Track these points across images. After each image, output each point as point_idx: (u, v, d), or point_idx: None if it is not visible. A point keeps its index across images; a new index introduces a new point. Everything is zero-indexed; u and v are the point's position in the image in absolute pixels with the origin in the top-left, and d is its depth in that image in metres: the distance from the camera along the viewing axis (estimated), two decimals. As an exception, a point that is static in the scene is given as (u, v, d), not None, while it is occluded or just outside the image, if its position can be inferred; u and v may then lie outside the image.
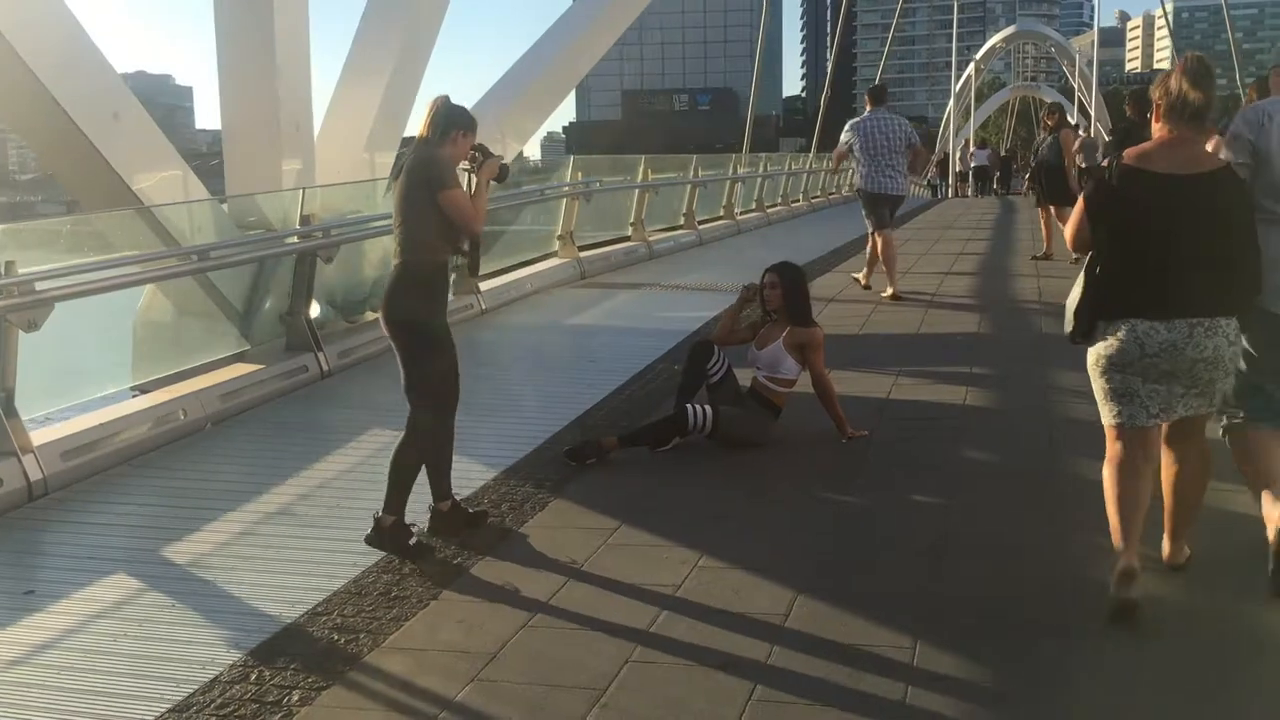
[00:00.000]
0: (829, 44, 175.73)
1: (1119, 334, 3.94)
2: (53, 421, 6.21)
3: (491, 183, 4.99)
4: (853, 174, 11.38)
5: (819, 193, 28.48)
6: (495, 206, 11.06)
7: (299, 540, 5.01)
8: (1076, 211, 4.16)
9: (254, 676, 3.73)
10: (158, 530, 5.19)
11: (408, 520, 4.82)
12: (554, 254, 12.77)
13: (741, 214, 20.98)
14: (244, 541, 5.03)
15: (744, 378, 6.30)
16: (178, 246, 7.09)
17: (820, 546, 4.75)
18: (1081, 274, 4.13)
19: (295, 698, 3.58)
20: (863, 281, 11.37)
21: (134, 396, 7.24)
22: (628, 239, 15.02)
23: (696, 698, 3.49)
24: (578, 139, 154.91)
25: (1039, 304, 10.43)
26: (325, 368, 7.93)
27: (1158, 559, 4.30)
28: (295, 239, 7.76)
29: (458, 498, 5.19)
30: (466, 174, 4.89)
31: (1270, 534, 4.07)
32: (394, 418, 5.04)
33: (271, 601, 4.33)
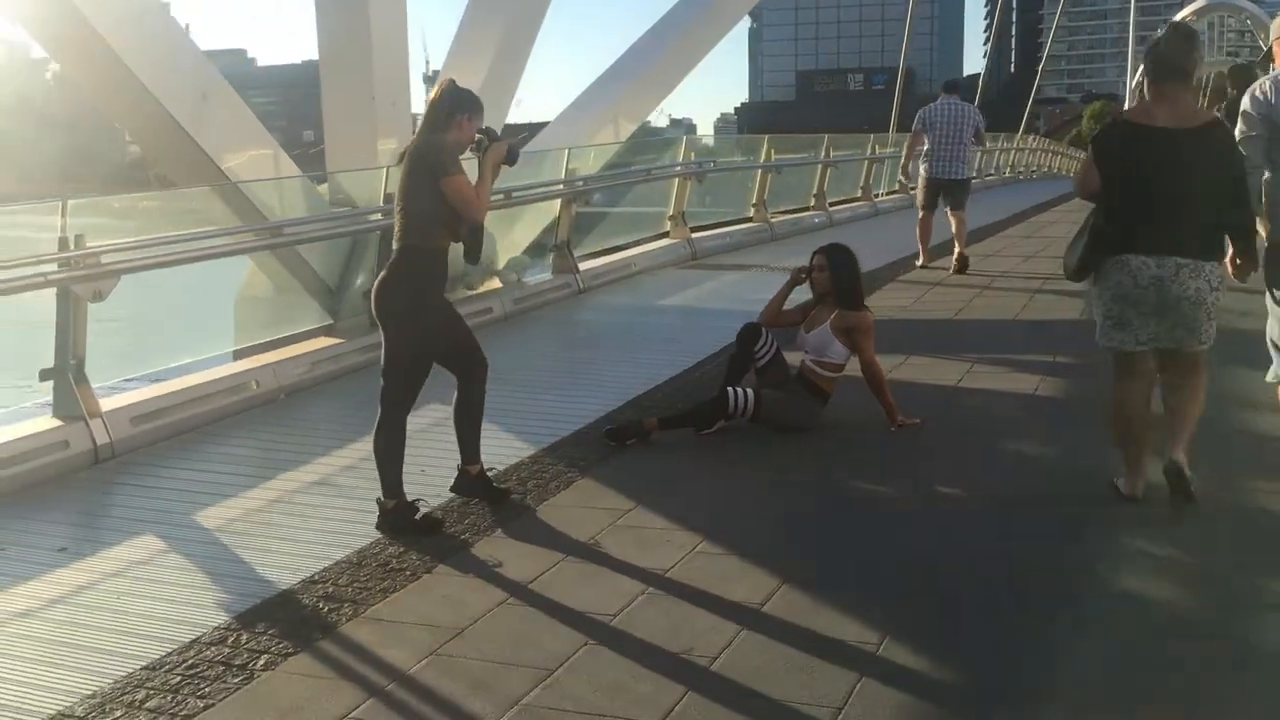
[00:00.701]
0: (1013, 20, 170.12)
1: (1117, 267, 4.54)
2: (130, 388, 6.51)
3: (502, 167, 4.92)
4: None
5: (974, 174, 27.62)
6: (599, 186, 11.12)
7: (327, 510, 5.12)
8: (1086, 159, 4.82)
9: (231, 640, 3.83)
10: (199, 495, 5.37)
11: (422, 494, 4.90)
12: (665, 234, 12.72)
13: (886, 194, 20.54)
14: (275, 509, 5.17)
15: (796, 361, 6.17)
16: (248, 223, 7.32)
17: (828, 535, 4.63)
18: (1088, 216, 4.75)
19: (261, 663, 3.67)
20: (953, 268, 11.23)
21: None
22: (750, 220, 14.86)
23: (642, 682, 3.44)
24: (749, 120, 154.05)
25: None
26: (406, 343, 8.07)
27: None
28: (377, 216, 7.91)
29: (491, 471, 5.23)
30: (477, 158, 4.83)
31: None
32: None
33: (275, 568, 4.44)
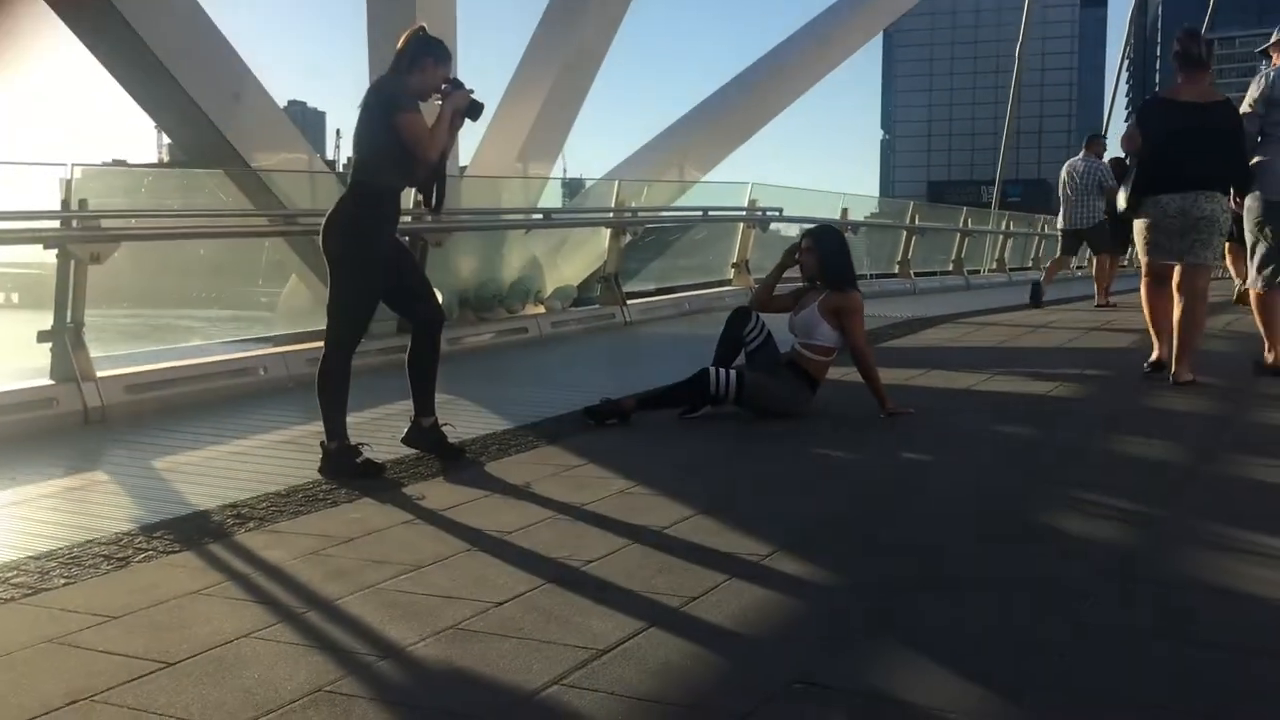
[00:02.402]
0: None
1: (1151, 203, 6.22)
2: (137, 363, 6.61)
3: (467, 120, 4.84)
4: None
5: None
6: (657, 223, 11.09)
7: (280, 458, 5.09)
8: (1131, 124, 6.50)
9: (124, 541, 3.77)
10: (165, 448, 5.36)
11: (366, 438, 4.81)
12: (728, 281, 12.59)
13: (988, 271, 20.21)
14: (238, 461, 5.13)
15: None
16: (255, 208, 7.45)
17: (760, 484, 4.43)
18: (1130, 167, 6.45)
19: (141, 557, 3.59)
20: (1099, 300, 12.19)
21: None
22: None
23: (503, 576, 3.28)
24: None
25: (1224, 334, 9.26)
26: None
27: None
28: (406, 219, 7.95)
29: (466, 437, 5.12)
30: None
31: (1269, 358, 6.55)
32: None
33: (204, 497, 4.36)
